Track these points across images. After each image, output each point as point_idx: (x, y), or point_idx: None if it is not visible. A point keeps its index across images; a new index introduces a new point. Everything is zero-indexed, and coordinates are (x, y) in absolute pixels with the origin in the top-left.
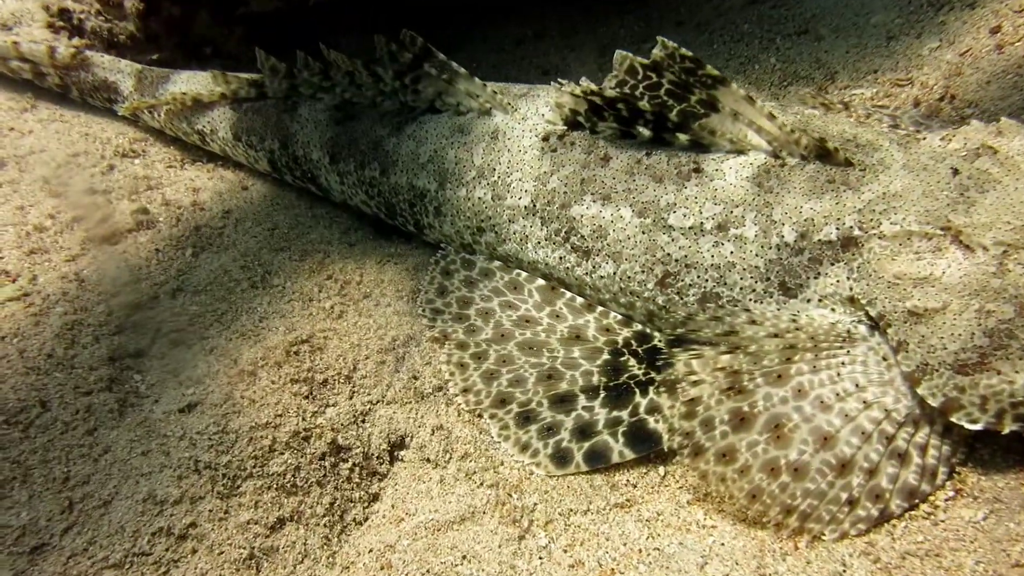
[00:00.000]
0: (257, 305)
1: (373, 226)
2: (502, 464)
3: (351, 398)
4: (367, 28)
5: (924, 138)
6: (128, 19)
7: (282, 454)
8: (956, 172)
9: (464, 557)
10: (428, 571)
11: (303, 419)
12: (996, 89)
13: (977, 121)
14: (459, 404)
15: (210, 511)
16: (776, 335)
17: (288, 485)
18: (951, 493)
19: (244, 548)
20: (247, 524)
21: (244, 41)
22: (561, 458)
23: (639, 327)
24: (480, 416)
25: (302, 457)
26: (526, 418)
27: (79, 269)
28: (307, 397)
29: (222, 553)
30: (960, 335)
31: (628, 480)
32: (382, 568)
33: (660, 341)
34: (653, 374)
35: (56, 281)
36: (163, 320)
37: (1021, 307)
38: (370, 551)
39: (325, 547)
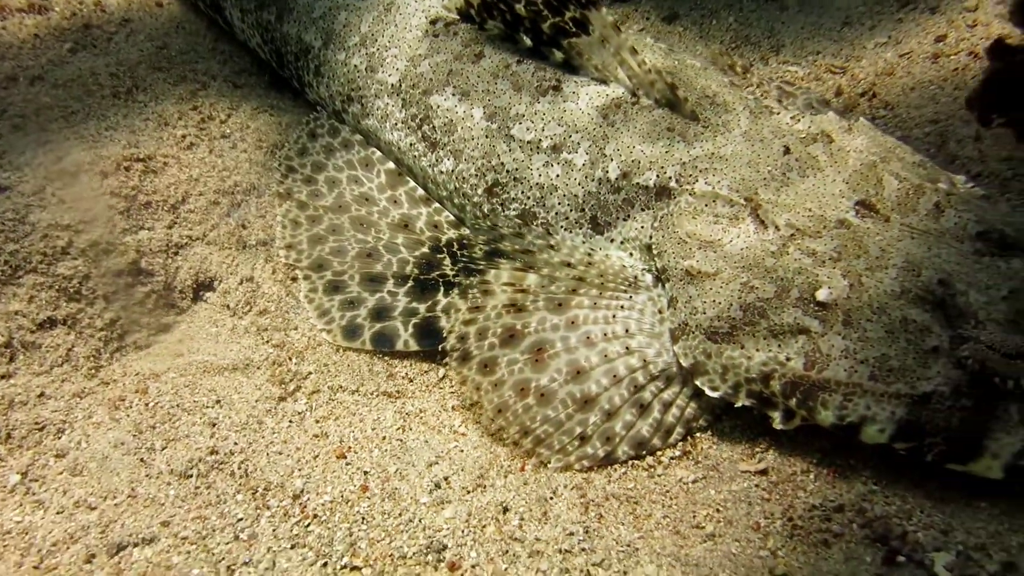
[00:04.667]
0: (111, 114)
1: (271, 75)
2: (295, 329)
3: (170, 228)
4: None
5: (778, 113)
6: None
7: (75, 259)
8: (787, 151)
9: (218, 401)
10: (178, 405)
11: (110, 232)
12: (916, 97)
13: (834, 114)
14: (281, 258)
15: None
16: (569, 264)
17: (71, 290)
18: (678, 453)
19: (2, 335)
20: (14, 314)
21: None
22: (351, 332)
23: (466, 232)
24: (295, 274)
25: (95, 268)
26: (335, 287)
27: None
28: (122, 213)
29: None
30: (720, 303)
31: (407, 374)
32: (136, 391)
33: (479, 250)
34: (462, 278)
35: None
36: (11, 103)
37: (782, 290)
38: (137, 375)
39: (92, 359)
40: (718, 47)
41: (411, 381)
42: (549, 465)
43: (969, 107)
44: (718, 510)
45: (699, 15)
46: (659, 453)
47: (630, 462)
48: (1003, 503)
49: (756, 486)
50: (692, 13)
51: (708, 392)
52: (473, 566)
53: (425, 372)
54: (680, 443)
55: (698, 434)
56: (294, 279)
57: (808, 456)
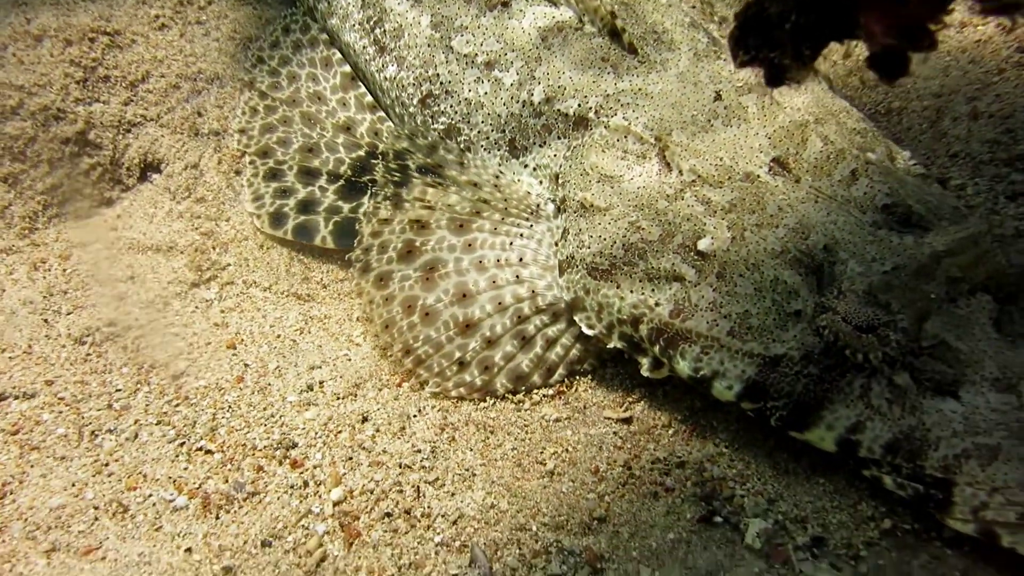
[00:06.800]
0: None
1: None
2: (227, 220)
3: (125, 105)
4: None
5: (723, 58)
6: None
7: (24, 120)
8: (718, 97)
9: (132, 278)
10: (94, 276)
11: (62, 99)
12: (928, 67)
13: None
14: (234, 142)
15: None
16: (475, 184)
17: (16, 150)
18: (551, 392)
19: None
20: None
21: None
22: (278, 219)
23: (405, 144)
24: (240, 165)
25: (43, 132)
26: (274, 174)
27: None
28: (80, 83)
29: None
30: (605, 239)
31: (323, 280)
32: (60, 256)
33: (413, 163)
34: (391, 187)
35: None
36: None
37: (667, 235)
38: (66, 241)
39: (28, 219)
40: None
41: (325, 287)
42: (426, 389)
43: (728, 43)
44: (567, 450)
45: None
46: (535, 391)
47: (506, 396)
48: (842, 481)
49: (614, 433)
50: None
51: (585, 330)
52: (315, 466)
53: (340, 280)
54: (559, 384)
55: (578, 377)
56: (238, 172)
57: (676, 412)
